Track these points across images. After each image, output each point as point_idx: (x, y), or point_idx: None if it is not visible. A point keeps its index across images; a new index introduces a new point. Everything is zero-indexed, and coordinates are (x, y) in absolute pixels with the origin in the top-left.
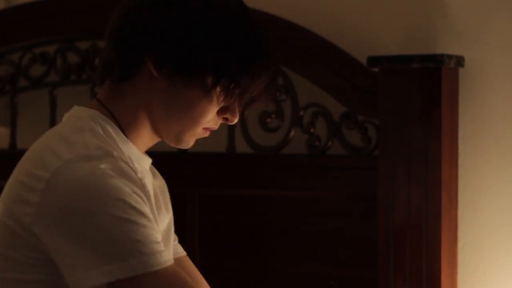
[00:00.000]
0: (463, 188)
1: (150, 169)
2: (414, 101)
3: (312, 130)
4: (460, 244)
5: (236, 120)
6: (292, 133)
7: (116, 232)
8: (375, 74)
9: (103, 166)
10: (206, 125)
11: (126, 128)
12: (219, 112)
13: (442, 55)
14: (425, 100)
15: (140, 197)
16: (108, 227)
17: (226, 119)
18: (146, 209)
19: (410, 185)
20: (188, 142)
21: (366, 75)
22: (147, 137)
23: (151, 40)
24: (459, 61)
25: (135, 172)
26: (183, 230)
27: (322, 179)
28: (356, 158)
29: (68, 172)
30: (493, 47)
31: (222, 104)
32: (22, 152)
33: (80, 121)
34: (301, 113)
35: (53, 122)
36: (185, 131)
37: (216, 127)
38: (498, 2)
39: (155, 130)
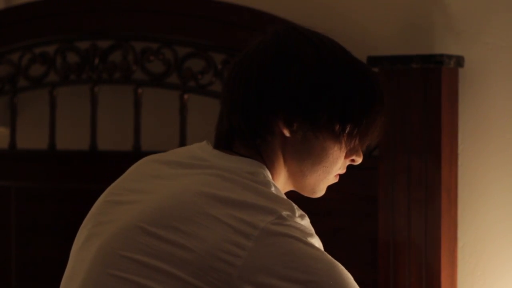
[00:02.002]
0: (463, 188)
1: None
2: (414, 101)
3: None
4: (460, 244)
5: (361, 160)
6: None
7: None
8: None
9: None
10: (337, 172)
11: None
12: (346, 156)
13: (442, 55)
14: (425, 100)
15: None
16: None
17: (353, 160)
18: None
19: (410, 185)
20: (323, 191)
21: None
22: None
23: (278, 103)
24: (459, 61)
25: None
26: None
27: None
28: None
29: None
30: (493, 47)
31: (348, 149)
32: (21, 152)
33: (260, 177)
34: None
35: (52, 122)
36: (320, 181)
37: (344, 170)
38: (498, 2)
39: (292, 185)
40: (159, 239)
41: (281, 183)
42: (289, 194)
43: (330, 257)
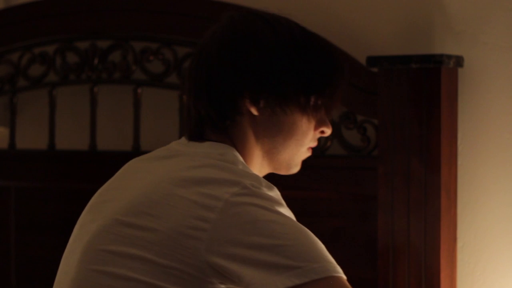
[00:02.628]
0: (462, 187)
1: None
2: (413, 101)
3: None
4: (459, 244)
5: (330, 131)
6: None
7: (302, 237)
8: (374, 74)
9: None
10: (309, 144)
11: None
12: (315, 128)
13: (441, 55)
14: (424, 100)
15: None
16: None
17: (322, 132)
18: None
19: (409, 185)
20: (298, 166)
21: (365, 75)
22: (255, 171)
23: (242, 83)
24: (459, 61)
25: None
26: None
27: (322, 179)
28: (355, 158)
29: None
30: (492, 47)
31: (315, 119)
32: (21, 152)
33: (225, 156)
34: None
35: (52, 122)
36: (294, 155)
37: (315, 143)
38: (498, 2)
39: (267, 165)
40: (131, 227)
41: (257, 163)
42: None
43: (297, 222)
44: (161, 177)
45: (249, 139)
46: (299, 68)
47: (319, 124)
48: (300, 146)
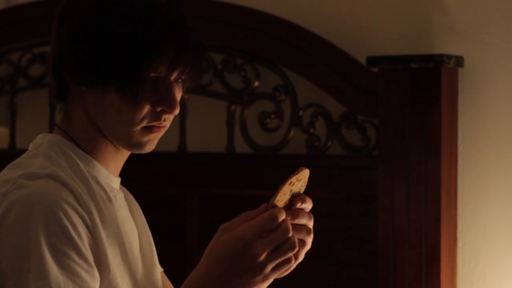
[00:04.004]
0: (462, 187)
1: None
2: (414, 101)
3: (311, 130)
4: (459, 243)
5: (175, 109)
6: (291, 133)
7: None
8: (375, 74)
9: (45, 182)
10: (147, 123)
11: (87, 147)
12: (154, 106)
13: (441, 55)
14: (425, 100)
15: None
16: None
17: (164, 111)
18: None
19: (410, 185)
20: (141, 146)
21: (365, 75)
22: (109, 152)
23: (64, 64)
24: (459, 61)
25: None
26: (182, 230)
27: (322, 179)
28: (355, 158)
29: (14, 191)
30: (493, 47)
31: (149, 98)
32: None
33: (38, 149)
34: (301, 113)
35: (52, 122)
36: (126, 134)
37: (162, 122)
38: (498, 2)
39: (110, 141)
40: None
41: (98, 142)
42: None
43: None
44: None
45: (82, 120)
46: (102, 43)
47: (158, 102)
48: (129, 125)
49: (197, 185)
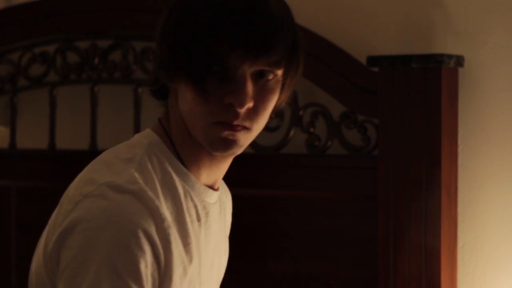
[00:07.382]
0: (462, 187)
1: (221, 201)
2: (414, 100)
3: (311, 130)
4: (460, 243)
5: (243, 103)
6: (291, 133)
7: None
8: (375, 73)
9: (128, 200)
10: (218, 119)
11: (180, 147)
12: (223, 98)
13: (441, 55)
14: (425, 99)
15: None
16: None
17: (231, 104)
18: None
19: (410, 185)
20: (216, 144)
21: (365, 74)
22: (203, 159)
23: (160, 63)
24: (459, 60)
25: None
26: None
27: (322, 179)
28: (355, 157)
29: (95, 199)
30: (493, 47)
31: (217, 89)
32: (21, 152)
33: (136, 149)
34: (301, 112)
35: (52, 122)
36: (201, 128)
37: (233, 119)
38: (498, 2)
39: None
40: None
41: (189, 142)
42: None
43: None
44: None
45: (177, 116)
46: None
47: (223, 93)
48: (198, 120)
49: None
